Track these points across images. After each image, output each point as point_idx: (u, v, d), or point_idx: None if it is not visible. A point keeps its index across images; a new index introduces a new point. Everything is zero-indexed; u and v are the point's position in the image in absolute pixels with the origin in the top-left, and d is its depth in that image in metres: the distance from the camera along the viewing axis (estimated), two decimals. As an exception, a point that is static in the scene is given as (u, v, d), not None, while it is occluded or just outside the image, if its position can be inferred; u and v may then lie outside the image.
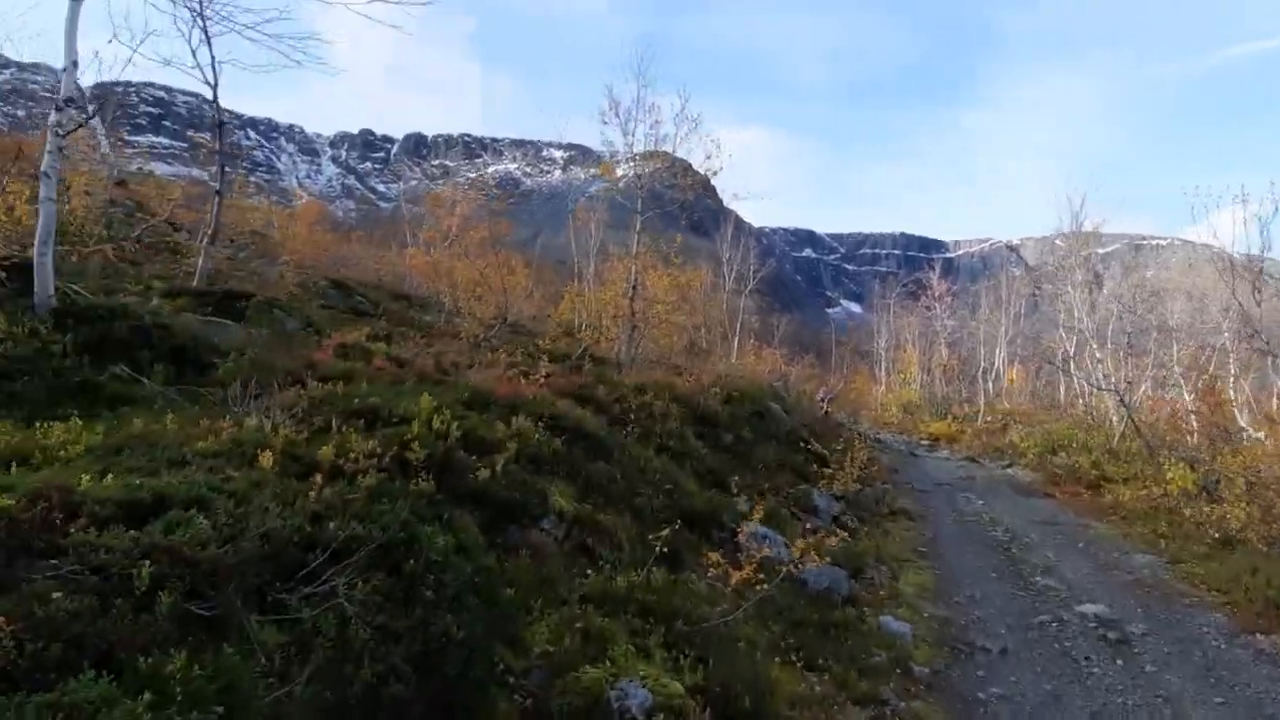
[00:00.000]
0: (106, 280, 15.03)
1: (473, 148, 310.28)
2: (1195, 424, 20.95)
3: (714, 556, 7.20)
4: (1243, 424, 19.36)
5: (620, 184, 23.24)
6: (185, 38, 14.85)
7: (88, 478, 4.34)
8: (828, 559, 9.05)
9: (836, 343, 60.92)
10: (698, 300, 37.24)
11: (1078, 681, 7.58)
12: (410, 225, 43.58)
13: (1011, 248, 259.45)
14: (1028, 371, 46.00)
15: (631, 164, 22.20)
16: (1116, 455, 21.13)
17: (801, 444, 17.28)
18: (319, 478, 5.17)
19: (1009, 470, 24.27)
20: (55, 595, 3.23)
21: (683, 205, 23.68)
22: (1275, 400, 21.16)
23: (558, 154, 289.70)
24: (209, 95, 16.33)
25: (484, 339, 19.04)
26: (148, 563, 3.50)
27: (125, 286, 14.13)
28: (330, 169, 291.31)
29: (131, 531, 3.76)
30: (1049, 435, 25.84)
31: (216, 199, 15.84)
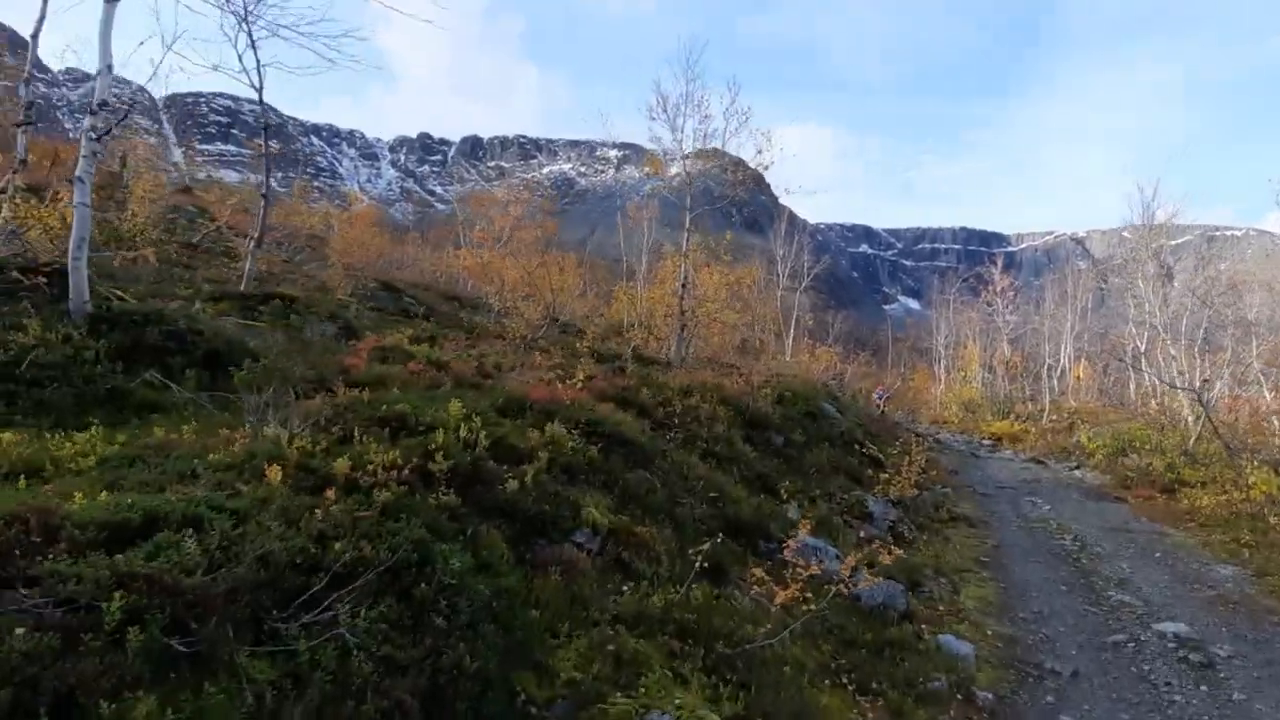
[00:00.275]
0: (159, 284, 15.16)
1: (528, 149, 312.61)
2: (1279, 425, 19.78)
3: (758, 573, 6.75)
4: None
5: (674, 182, 22.74)
6: (231, 42, 14.95)
7: (80, 496, 4.10)
8: (883, 574, 8.55)
9: (894, 340, 59.76)
10: (751, 298, 36.67)
11: (1158, 710, 6.95)
12: (463, 227, 43.77)
13: (1077, 240, 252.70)
14: (1095, 368, 44.39)
15: (685, 162, 21.75)
16: (1193, 457, 20.03)
17: (856, 446, 16.68)
18: (331, 493, 4.88)
19: (1076, 472, 23.22)
20: (18, 631, 2.95)
21: (733, 202, 23.18)
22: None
23: (612, 153, 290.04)
24: (256, 98, 16.45)
25: (532, 340, 18.82)
26: (120, 594, 3.21)
27: (175, 291, 14.20)
28: (390, 173, 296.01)
29: (112, 557, 3.48)
30: (1119, 435, 24.71)
31: (263, 202, 15.81)
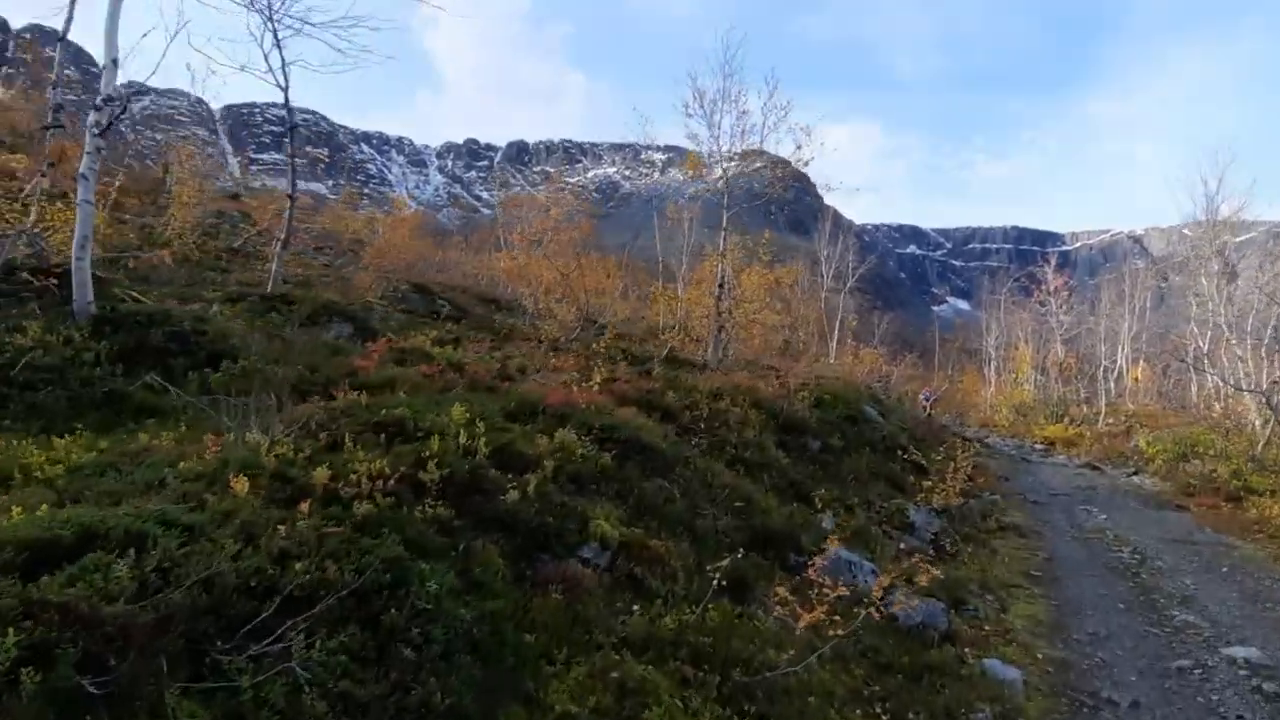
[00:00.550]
0: (190, 286, 15.09)
1: (573, 153, 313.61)
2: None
3: (781, 592, 6.20)
4: None
5: (719, 183, 22.15)
6: (258, 41, 14.85)
7: (18, 510, 3.75)
8: (921, 594, 7.95)
9: (942, 341, 58.35)
10: (793, 299, 35.96)
11: (1229, 748, 6.28)
12: (503, 230, 43.66)
13: (1134, 238, 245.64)
14: (1153, 370, 42.76)
15: (730, 163, 21.20)
16: (1261, 464, 18.91)
17: (899, 451, 15.98)
18: (305, 506, 4.48)
19: (1135, 479, 22.15)
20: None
21: (772, 200, 22.63)
22: None
23: (657, 156, 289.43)
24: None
25: (564, 342, 18.45)
26: (20, 627, 2.82)
27: (201, 293, 14.08)
28: (437, 178, 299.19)
29: (25, 584, 3.10)
30: (1180, 440, 23.52)
31: (289, 203, 15.65)
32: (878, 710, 6.00)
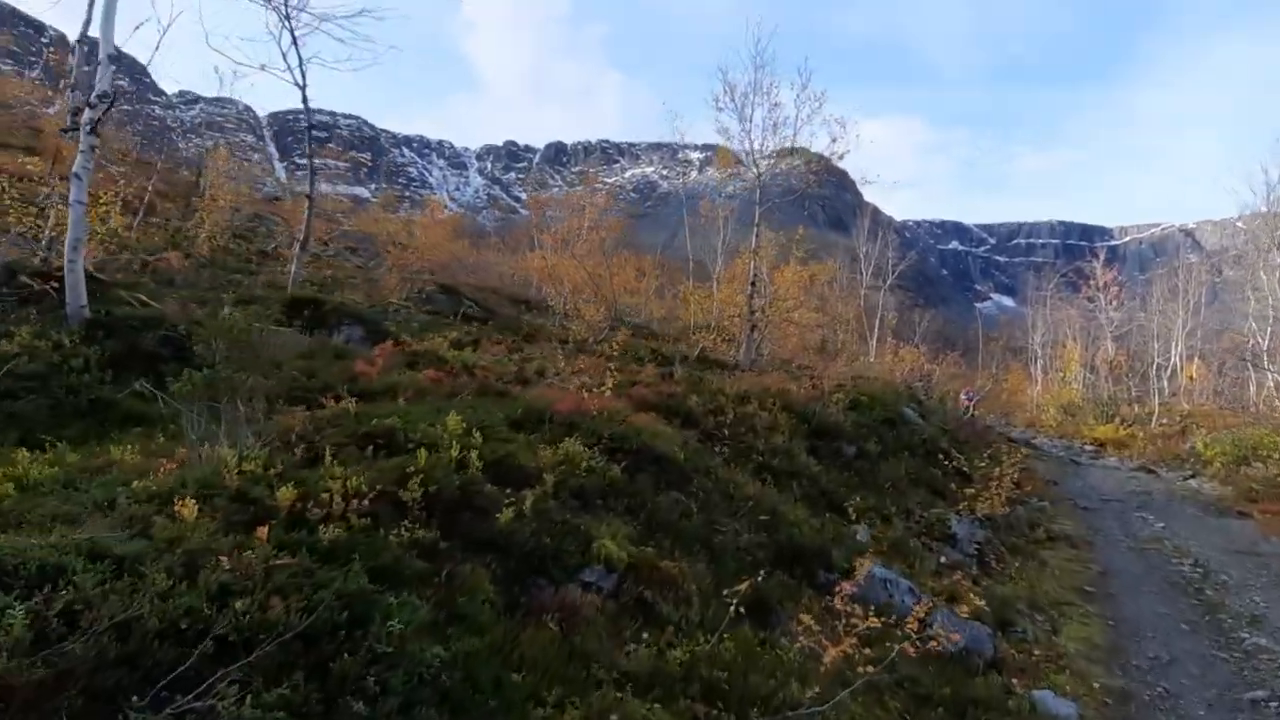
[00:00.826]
0: (213, 290, 14.89)
1: (610, 153, 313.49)
2: None
3: (806, 620, 5.60)
4: None
5: (752, 178, 21.48)
6: (276, 40, 14.61)
7: (-78, 541, 3.32)
8: (963, 614, 7.31)
9: (985, 339, 56.93)
10: (830, 297, 35.19)
11: (1315, 797, 5.57)
12: (536, 230, 43.41)
13: (1186, 232, 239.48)
14: (1208, 368, 41.15)
15: (755, 153, 20.54)
16: (1330, 467, 17.84)
17: (940, 456, 15.21)
18: (264, 531, 4.00)
19: (1191, 482, 21.08)
20: None
21: (807, 195, 21.93)
22: None
23: (694, 155, 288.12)
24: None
25: (592, 343, 18.00)
26: None
27: (222, 296, 13.85)
28: (477, 180, 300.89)
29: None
30: (1240, 441, 22.35)
31: (307, 204, 15.37)
32: (914, 752, 5.41)
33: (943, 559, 9.96)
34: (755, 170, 20.09)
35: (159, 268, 15.65)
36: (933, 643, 5.23)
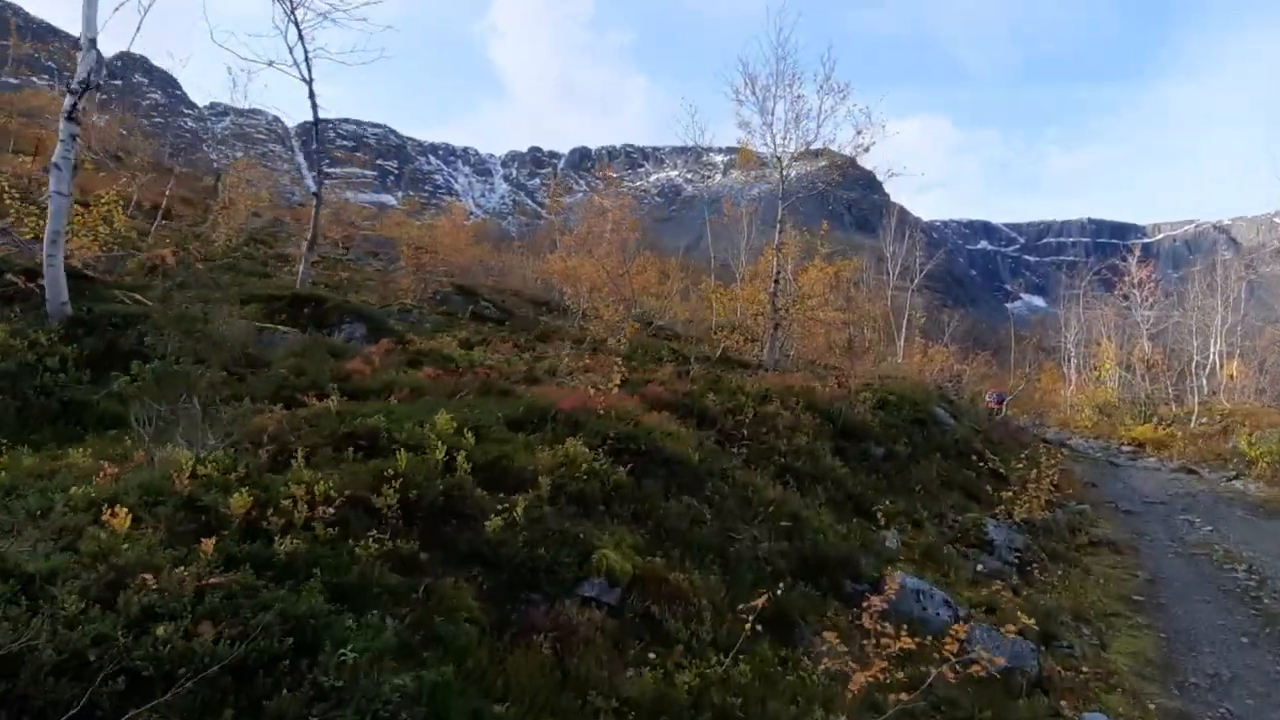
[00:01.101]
0: (220, 291, 14.59)
1: (635, 157, 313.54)
2: None
3: (832, 639, 5.03)
4: None
5: (775, 174, 20.83)
6: (282, 34, 14.30)
7: None
8: (1010, 632, 6.68)
9: (1017, 339, 55.71)
10: (857, 297, 34.49)
11: None
12: (558, 233, 43.09)
13: (1220, 228, 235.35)
14: (1248, 365, 39.88)
15: (776, 146, 19.91)
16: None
17: (973, 457, 14.52)
18: (209, 544, 3.53)
19: (1236, 483, 20.19)
20: None
21: (831, 190, 21.31)
22: None
23: (718, 158, 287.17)
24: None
25: (610, 342, 17.54)
26: None
27: (212, 296, 13.55)
28: (502, 187, 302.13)
29: None
30: (1286, 439, 21.45)
31: (315, 201, 15.01)
32: (954, 786, 4.83)
33: (979, 567, 9.33)
34: (778, 165, 19.47)
35: (170, 269, 15.38)
36: (974, 666, 4.63)
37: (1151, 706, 6.60)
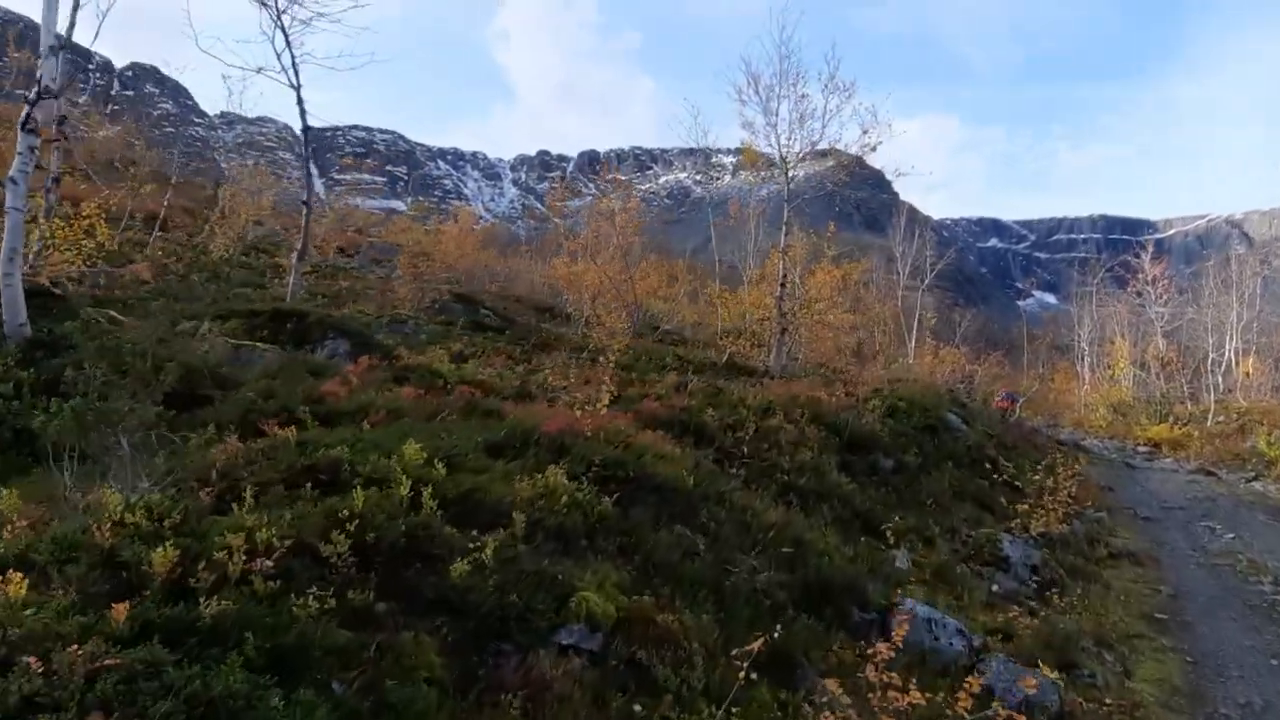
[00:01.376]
0: (214, 304, 14.28)
1: (643, 160, 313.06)
2: None
3: (834, 687, 4.57)
4: None
5: (780, 174, 20.42)
6: (269, 39, 14.02)
7: None
8: (1022, 657, 6.24)
9: (1029, 337, 55.00)
10: (867, 298, 34.01)
11: None
12: (564, 237, 42.72)
13: (1233, 223, 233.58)
14: (1265, 363, 39.17)
15: (780, 146, 19.48)
16: None
17: (987, 465, 14.03)
18: (121, 610, 3.12)
19: (1256, 485, 19.66)
20: None
21: (838, 189, 20.86)
22: None
23: (727, 160, 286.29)
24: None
25: (612, 350, 17.14)
26: None
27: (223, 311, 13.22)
28: (511, 191, 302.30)
29: None
30: (1310, 439, 20.91)
31: (304, 210, 14.66)
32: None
33: (995, 587, 8.86)
34: (783, 166, 19.03)
35: (159, 283, 15.05)
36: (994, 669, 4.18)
37: (1182, 743, 6.14)
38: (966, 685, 4.24)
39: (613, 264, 23.23)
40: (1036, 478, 12.70)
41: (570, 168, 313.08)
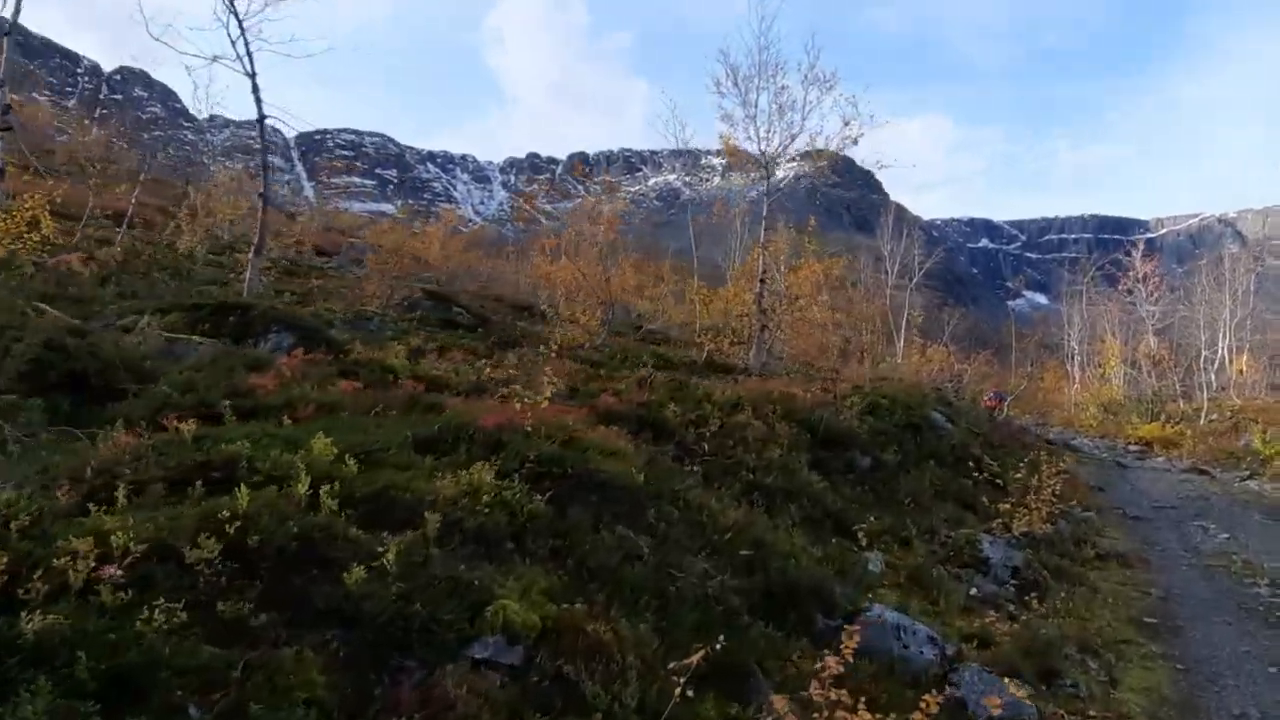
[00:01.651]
0: (163, 299, 13.83)
1: (633, 162, 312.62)
2: None
3: (780, 705, 4.10)
4: None
5: (771, 169, 19.93)
6: (224, 26, 13.55)
7: None
8: (999, 665, 5.78)
9: (1018, 336, 54.69)
10: (856, 297, 33.68)
11: None
12: (547, 237, 42.32)
13: (1226, 222, 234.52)
14: (1258, 361, 38.96)
15: (760, 140, 19.02)
16: None
17: (970, 464, 13.59)
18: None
19: (1250, 483, 19.32)
20: None
21: (821, 186, 20.46)
22: None
23: (716, 161, 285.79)
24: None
25: (585, 349, 16.70)
26: None
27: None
28: (501, 193, 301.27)
29: None
30: (1306, 437, 20.60)
31: (261, 203, 14.17)
32: None
33: (973, 590, 8.41)
34: (761, 160, 18.58)
35: (120, 278, 14.55)
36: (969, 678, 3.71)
37: (1170, 760, 5.68)
38: (923, 705, 3.75)
39: (590, 262, 22.80)
40: (1019, 475, 12.25)
41: (560, 170, 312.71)
